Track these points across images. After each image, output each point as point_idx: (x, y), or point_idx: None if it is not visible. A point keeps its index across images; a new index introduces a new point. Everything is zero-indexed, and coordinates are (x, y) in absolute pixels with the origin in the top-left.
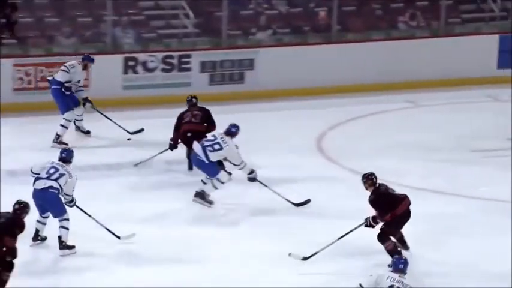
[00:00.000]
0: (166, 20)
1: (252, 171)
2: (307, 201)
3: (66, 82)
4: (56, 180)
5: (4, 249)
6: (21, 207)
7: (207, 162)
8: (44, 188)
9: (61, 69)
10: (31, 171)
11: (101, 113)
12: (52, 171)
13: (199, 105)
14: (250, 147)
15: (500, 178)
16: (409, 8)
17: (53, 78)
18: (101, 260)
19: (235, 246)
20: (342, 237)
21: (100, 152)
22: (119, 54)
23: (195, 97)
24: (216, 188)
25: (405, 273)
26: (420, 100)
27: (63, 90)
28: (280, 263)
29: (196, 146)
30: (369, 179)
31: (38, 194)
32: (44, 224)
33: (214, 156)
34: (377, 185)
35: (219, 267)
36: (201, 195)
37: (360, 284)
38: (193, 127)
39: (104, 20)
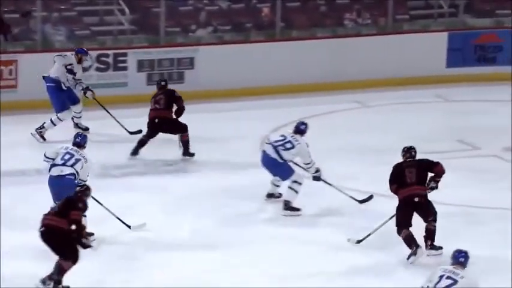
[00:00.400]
0: (100, 16)
1: (317, 170)
2: (370, 197)
3: (69, 65)
4: (72, 166)
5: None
6: (83, 190)
7: (280, 161)
8: (60, 175)
9: (55, 59)
10: (44, 155)
11: (102, 106)
12: (67, 157)
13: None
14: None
15: (450, 181)
16: (356, 4)
17: (49, 75)
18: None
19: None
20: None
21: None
22: (50, 53)
23: (164, 80)
24: (297, 192)
25: (465, 267)
26: (368, 100)
27: (62, 85)
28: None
29: (268, 147)
30: (407, 152)
31: (54, 181)
32: None
33: (287, 155)
34: (408, 159)
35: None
36: (288, 207)
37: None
38: (157, 113)
39: (33, 16)
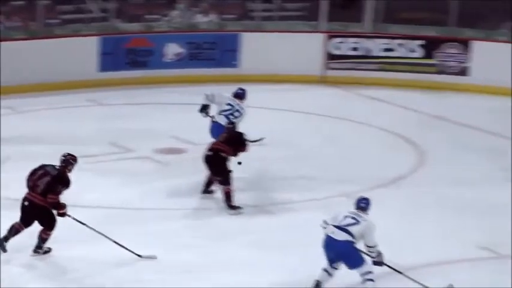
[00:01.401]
0: None
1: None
2: (261, 139)
3: None
4: None
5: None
6: (66, 160)
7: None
8: None
9: None
10: None
11: None
12: None
13: None
14: None
15: (104, 184)
16: (4, 7)
17: None
18: None
19: None
20: None
21: None
22: None
23: None
24: None
25: (366, 212)
26: (20, 106)
27: None
28: None
29: (219, 117)
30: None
31: None
32: None
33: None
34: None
35: None
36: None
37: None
38: None
39: None
